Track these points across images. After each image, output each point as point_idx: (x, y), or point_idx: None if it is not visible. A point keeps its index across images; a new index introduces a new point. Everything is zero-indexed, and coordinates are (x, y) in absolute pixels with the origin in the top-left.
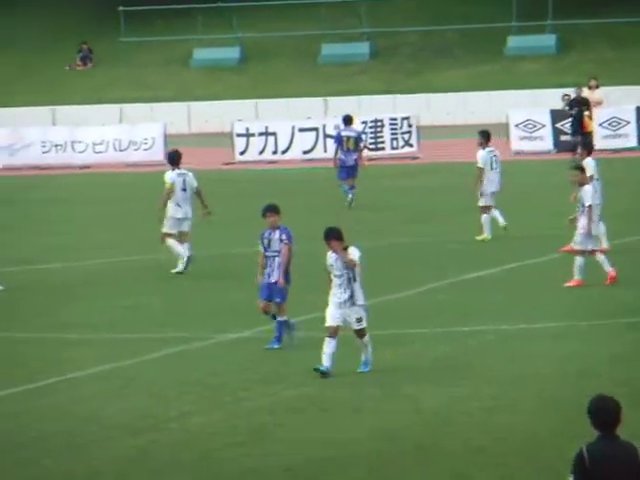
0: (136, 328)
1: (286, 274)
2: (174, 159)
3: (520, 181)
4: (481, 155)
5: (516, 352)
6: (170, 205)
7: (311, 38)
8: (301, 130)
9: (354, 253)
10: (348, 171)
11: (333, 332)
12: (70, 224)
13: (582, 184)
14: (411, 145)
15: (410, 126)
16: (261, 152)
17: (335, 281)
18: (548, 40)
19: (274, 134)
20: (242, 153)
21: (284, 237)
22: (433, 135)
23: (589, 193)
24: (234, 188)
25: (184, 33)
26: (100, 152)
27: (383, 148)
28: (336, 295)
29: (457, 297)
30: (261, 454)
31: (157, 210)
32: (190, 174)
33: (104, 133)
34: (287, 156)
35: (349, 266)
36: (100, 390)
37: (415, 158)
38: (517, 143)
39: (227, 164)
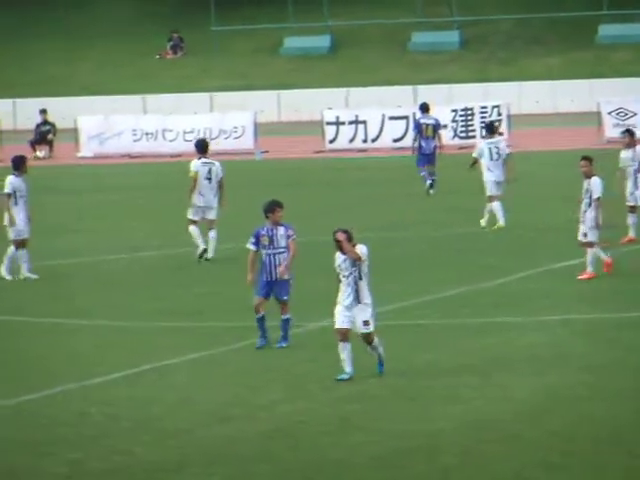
0: (225, 316)
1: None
2: (202, 148)
3: (610, 167)
4: (478, 146)
5: (607, 341)
6: (194, 193)
7: (401, 26)
8: (391, 118)
9: (361, 249)
10: (428, 158)
11: (343, 336)
12: (159, 212)
13: (589, 176)
14: (501, 133)
15: (500, 114)
16: (351, 140)
17: (343, 281)
18: None
19: (364, 122)
20: (332, 141)
21: (291, 232)
22: (523, 123)
23: (598, 185)
24: (324, 176)
25: (275, 21)
26: (191, 140)
27: (474, 136)
28: (344, 296)
29: (548, 285)
30: (349, 444)
31: (187, 199)
32: (217, 164)
33: (195, 122)
34: (377, 144)
35: (356, 262)
36: (190, 378)
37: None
38: (610, 130)
39: (317, 152)
